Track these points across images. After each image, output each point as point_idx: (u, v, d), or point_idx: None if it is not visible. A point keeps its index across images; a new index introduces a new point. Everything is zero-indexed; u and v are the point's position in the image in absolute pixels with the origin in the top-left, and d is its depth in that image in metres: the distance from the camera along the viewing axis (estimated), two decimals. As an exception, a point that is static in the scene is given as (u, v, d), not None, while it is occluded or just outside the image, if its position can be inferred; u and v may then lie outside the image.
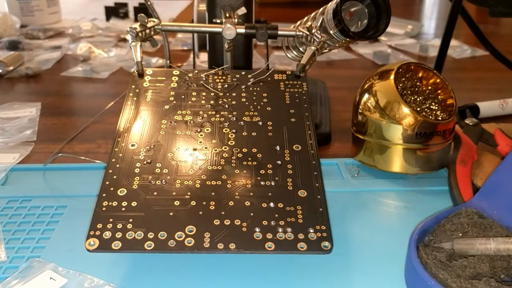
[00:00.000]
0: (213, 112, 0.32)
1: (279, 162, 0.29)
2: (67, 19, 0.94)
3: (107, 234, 0.24)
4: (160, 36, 0.42)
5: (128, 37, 0.37)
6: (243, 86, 0.34)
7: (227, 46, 0.39)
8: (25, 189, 0.35)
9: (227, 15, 0.40)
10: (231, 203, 0.26)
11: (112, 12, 0.94)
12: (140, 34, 0.37)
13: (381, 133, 0.35)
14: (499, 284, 0.23)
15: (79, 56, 0.69)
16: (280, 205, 0.26)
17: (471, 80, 0.64)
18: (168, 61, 0.44)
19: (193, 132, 0.31)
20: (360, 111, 0.36)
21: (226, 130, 0.31)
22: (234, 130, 0.31)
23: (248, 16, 0.42)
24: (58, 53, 0.69)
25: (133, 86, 0.34)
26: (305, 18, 0.40)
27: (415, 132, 0.34)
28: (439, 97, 0.36)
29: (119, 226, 0.25)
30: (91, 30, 0.84)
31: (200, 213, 0.26)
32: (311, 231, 0.25)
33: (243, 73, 0.35)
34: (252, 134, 0.31)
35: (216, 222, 0.25)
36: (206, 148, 0.30)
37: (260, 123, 0.32)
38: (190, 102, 0.33)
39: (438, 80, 0.37)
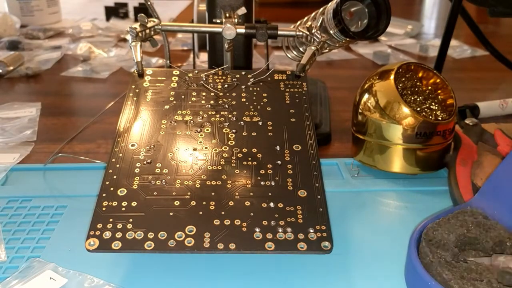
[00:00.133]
0: (213, 112, 0.32)
1: (279, 162, 0.29)
2: (67, 19, 0.94)
3: (107, 234, 0.24)
4: (160, 36, 0.42)
5: (128, 37, 0.37)
6: (243, 86, 0.34)
7: (227, 46, 0.39)
8: (25, 189, 0.35)
9: (227, 15, 0.40)
10: (231, 203, 0.26)
11: (112, 12, 0.94)
12: (140, 34, 0.37)
13: (381, 133, 0.35)
14: (501, 285, 0.23)
15: (79, 56, 0.69)
16: (280, 205, 0.26)
17: (471, 80, 0.64)
18: (168, 61, 0.44)
19: (193, 132, 0.31)
20: (360, 111, 0.36)
21: (226, 130, 0.31)
22: (234, 130, 0.31)
23: (248, 16, 0.42)
24: (58, 53, 0.69)
25: (133, 86, 0.34)
26: (305, 18, 0.40)
27: (415, 132, 0.34)
28: (439, 97, 0.36)
29: (119, 226, 0.25)
30: (91, 30, 0.84)
31: (200, 213, 0.26)
32: (311, 231, 0.25)
33: (243, 73, 0.35)
34: (252, 134, 0.31)
35: (216, 222, 0.25)
36: (206, 148, 0.30)
37: (260, 123, 0.32)
38: (190, 102, 0.33)
39: (438, 80, 0.37)
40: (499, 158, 0.36)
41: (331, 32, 0.36)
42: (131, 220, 0.25)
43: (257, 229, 0.25)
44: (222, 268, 0.28)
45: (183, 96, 0.34)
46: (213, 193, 0.27)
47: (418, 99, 0.36)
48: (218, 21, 0.41)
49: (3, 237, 0.30)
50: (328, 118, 0.47)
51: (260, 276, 0.27)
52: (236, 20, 0.38)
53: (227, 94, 0.34)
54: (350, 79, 0.63)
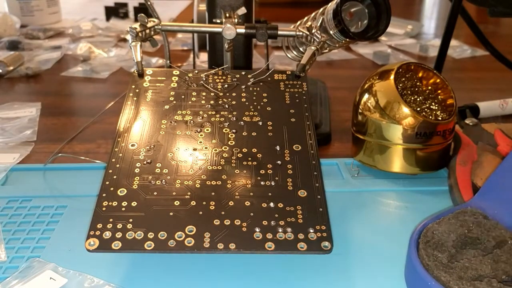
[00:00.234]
0: (213, 112, 0.32)
1: (279, 162, 0.29)
2: (67, 19, 0.94)
3: (107, 234, 0.24)
4: (160, 36, 0.42)
5: (128, 37, 0.37)
6: (243, 86, 0.34)
7: (227, 46, 0.39)
8: (25, 189, 0.35)
9: (227, 15, 0.40)
10: (231, 203, 0.26)
11: (112, 12, 0.94)
12: (140, 34, 0.37)
13: (381, 133, 0.35)
14: (501, 284, 0.23)
15: (79, 56, 0.69)
16: (280, 205, 0.26)
17: (471, 80, 0.64)
18: (168, 61, 0.44)
19: (193, 132, 0.31)
20: (360, 111, 0.36)
21: (226, 130, 0.31)
22: (234, 130, 0.31)
23: (248, 16, 0.42)
24: (58, 53, 0.69)
25: (133, 86, 0.34)
26: (305, 18, 0.40)
27: (415, 132, 0.34)
28: (439, 97, 0.36)
29: (119, 226, 0.25)
30: (91, 30, 0.84)
31: (200, 213, 0.26)
32: (311, 231, 0.25)
33: (243, 73, 0.35)
34: (252, 134, 0.31)
35: (216, 222, 0.25)
36: (206, 148, 0.30)
37: (260, 123, 0.32)
38: (190, 102, 0.33)
39: (438, 80, 0.37)
40: (499, 158, 0.36)
41: (331, 32, 0.36)
42: (131, 220, 0.25)
43: (257, 229, 0.25)
44: (222, 268, 0.28)
45: (183, 96, 0.34)
46: (213, 193, 0.27)
47: (418, 99, 0.36)
48: (218, 21, 0.41)
49: (3, 237, 0.30)
50: (328, 118, 0.47)
51: (260, 276, 0.27)
52: (236, 20, 0.38)
53: (227, 94, 0.34)
54: (350, 79, 0.63)
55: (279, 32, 0.38)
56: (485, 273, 0.25)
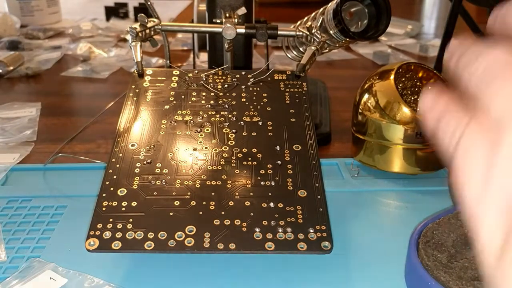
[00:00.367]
0: (213, 112, 0.32)
1: (279, 162, 0.29)
2: (67, 19, 0.94)
3: (107, 234, 0.24)
4: (160, 36, 0.42)
5: (128, 37, 0.37)
6: (243, 86, 0.34)
7: (227, 46, 0.39)
8: (25, 189, 0.35)
9: (227, 15, 0.40)
10: (231, 203, 0.26)
11: (112, 12, 0.94)
12: (140, 34, 0.37)
13: (381, 133, 0.35)
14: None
15: (79, 56, 0.69)
16: (280, 205, 0.26)
17: (471, 80, 0.63)
18: (168, 61, 0.44)
19: (193, 132, 0.31)
20: (360, 111, 0.36)
21: (226, 130, 0.31)
22: (234, 130, 0.31)
23: (248, 16, 0.42)
24: (58, 53, 0.69)
25: (133, 86, 0.34)
26: (305, 18, 0.40)
27: (415, 132, 0.34)
28: (439, 97, 0.36)
29: (119, 226, 0.25)
30: (91, 30, 0.84)
31: (200, 213, 0.26)
32: (311, 231, 0.25)
33: (243, 73, 0.35)
34: (252, 134, 0.31)
35: (216, 222, 0.25)
36: (206, 148, 0.30)
37: (260, 123, 0.32)
38: (190, 102, 0.33)
39: (438, 80, 0.37)
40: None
41: (331, 32, 0.36)
42: (131, 220, 0.25)
43: (257, 229, 0.25)
44: (222, 268, 0.28)
45: (183, 96, 0.34)
46: (213, 193, 0.27)
47: (418, 99, 0.36)
48: (218, 21, 0.41)
49: (3, 237, 0.30)
50: (328, 118, 0.47)
51: (260, 276, 0.27)
52: (236, 20, 0.38)
53: (227, 94, 0.34)
54: (350, 79, 0.62)
55: (279, 32, 0.38)
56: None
